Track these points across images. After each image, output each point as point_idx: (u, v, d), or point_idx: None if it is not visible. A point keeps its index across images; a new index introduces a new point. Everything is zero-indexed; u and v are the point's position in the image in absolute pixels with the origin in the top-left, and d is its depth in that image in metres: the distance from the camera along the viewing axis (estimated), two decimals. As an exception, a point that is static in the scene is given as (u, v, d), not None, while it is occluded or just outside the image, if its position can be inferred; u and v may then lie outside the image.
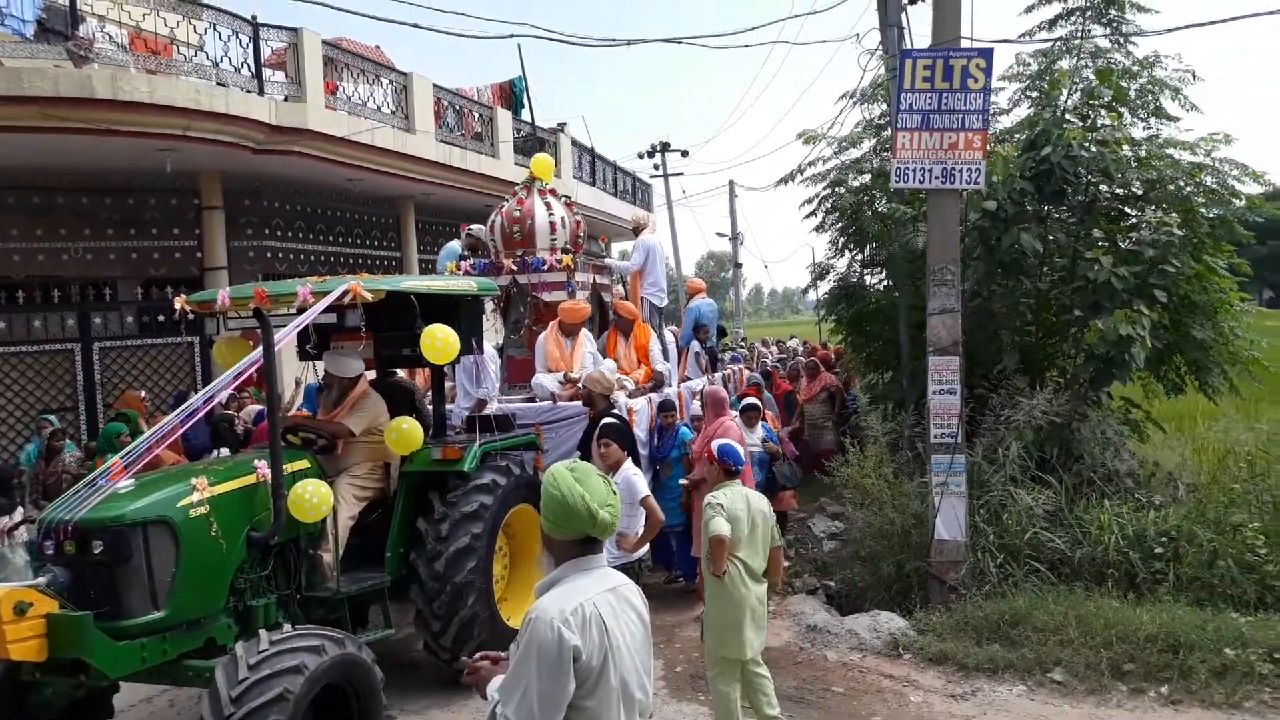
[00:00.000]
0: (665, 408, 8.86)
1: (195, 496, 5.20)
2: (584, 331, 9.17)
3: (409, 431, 6.35)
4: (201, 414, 6.04)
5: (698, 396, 9.44)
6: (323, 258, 16.83)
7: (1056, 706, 6.06)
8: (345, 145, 13.95)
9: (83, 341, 13.79)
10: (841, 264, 12.71)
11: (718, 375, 11.52)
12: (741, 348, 19.43)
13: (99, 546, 4.86)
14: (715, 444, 5.59)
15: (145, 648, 4.93)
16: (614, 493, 2.81)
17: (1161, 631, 6.43)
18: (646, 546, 6.33)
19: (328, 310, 5.77)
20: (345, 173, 14.94)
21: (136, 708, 6.40)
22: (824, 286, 13.20)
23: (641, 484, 6.31)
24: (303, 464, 5.97)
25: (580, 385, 8.31)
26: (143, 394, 11.33)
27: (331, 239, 17.24)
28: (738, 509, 5.27)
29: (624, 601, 2.79)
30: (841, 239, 12.27)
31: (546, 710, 2.55)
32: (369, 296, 5.77)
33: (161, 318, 14.14)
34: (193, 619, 5.20)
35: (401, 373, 8.18)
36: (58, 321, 13.84)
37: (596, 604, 2.67)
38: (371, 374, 7.23)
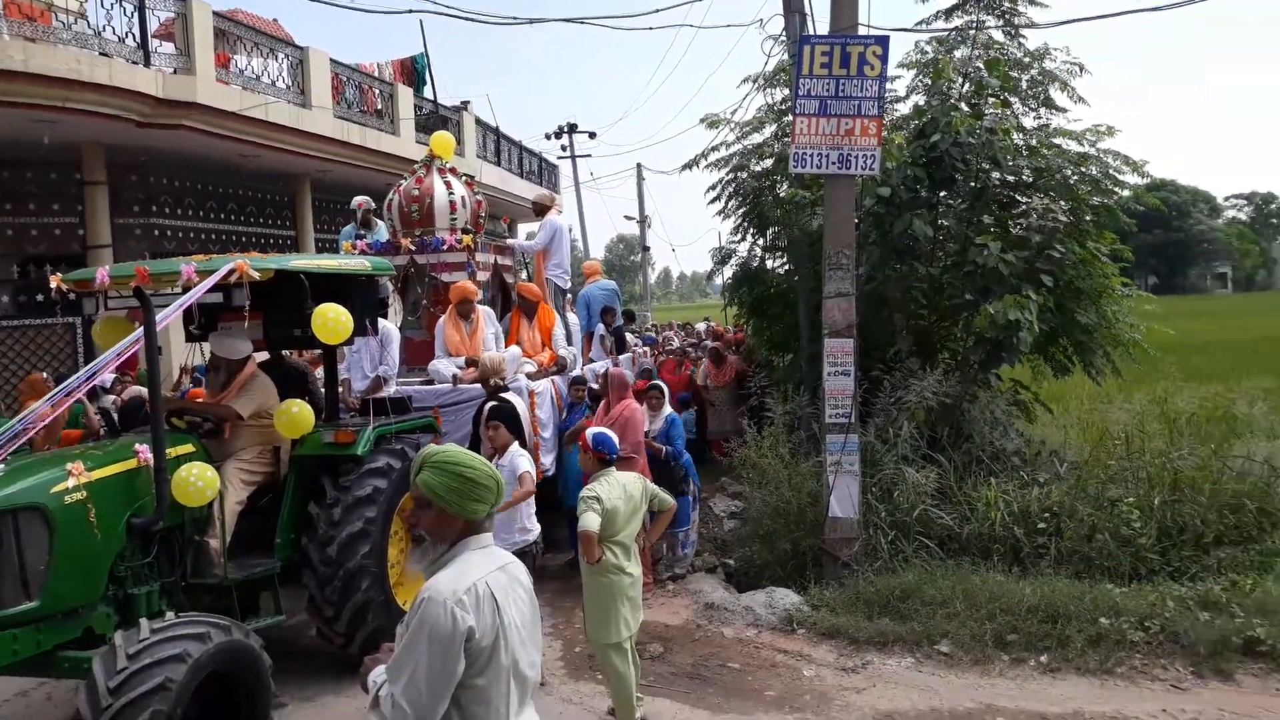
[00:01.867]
0: (577, 382, 8.95)
1: (70, 482, 4.99)
2: (486, 312, 9.07)
3: (299, 415, 6.20)
4: (81, 395, 5.81)
5: (601, 379, 9.44)
6: (214, 236, 16.31)
7: (942, 677, 6.26)
8: (238, 120, 13.51)
9: (-45, 322, 13.14)
10: (744, 248, 12.86)
11: (624, 357, 11.54)
12: (649, 330, 19.53)
13: (-35, 535, 4.65)
14: (589, 432, 5.58)
15: (17, 639, 4.73)
16: None
17: (1042, 603, 6.69)
18: (538, 530, 6.38)
19: (214, 290, 5.59)
20: (238, 148, 14.48)
21: (11, 702, 6.15)
22: (728, 270, 13.34)
23: (526, 464, 6.39)
24: (187, 448, 5.79)
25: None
26: (45, 375, 10.83)
27: (223, 217, 16.72)
28: (615, 500, 5.28)
29: (514, 580, 2.81)
30: (744, 223, 12.39)
31: (435, 691, 2.55)
32: (257, 276, 5.61)
33: (40, 297, 13.54)
34: (69, 609, 5.00)
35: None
36: (-72, 301, 13.15)
37: (489, 582, 2.68)
38: (262, 355, 7.04)
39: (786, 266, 12.43)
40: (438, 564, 2.75)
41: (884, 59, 7.94)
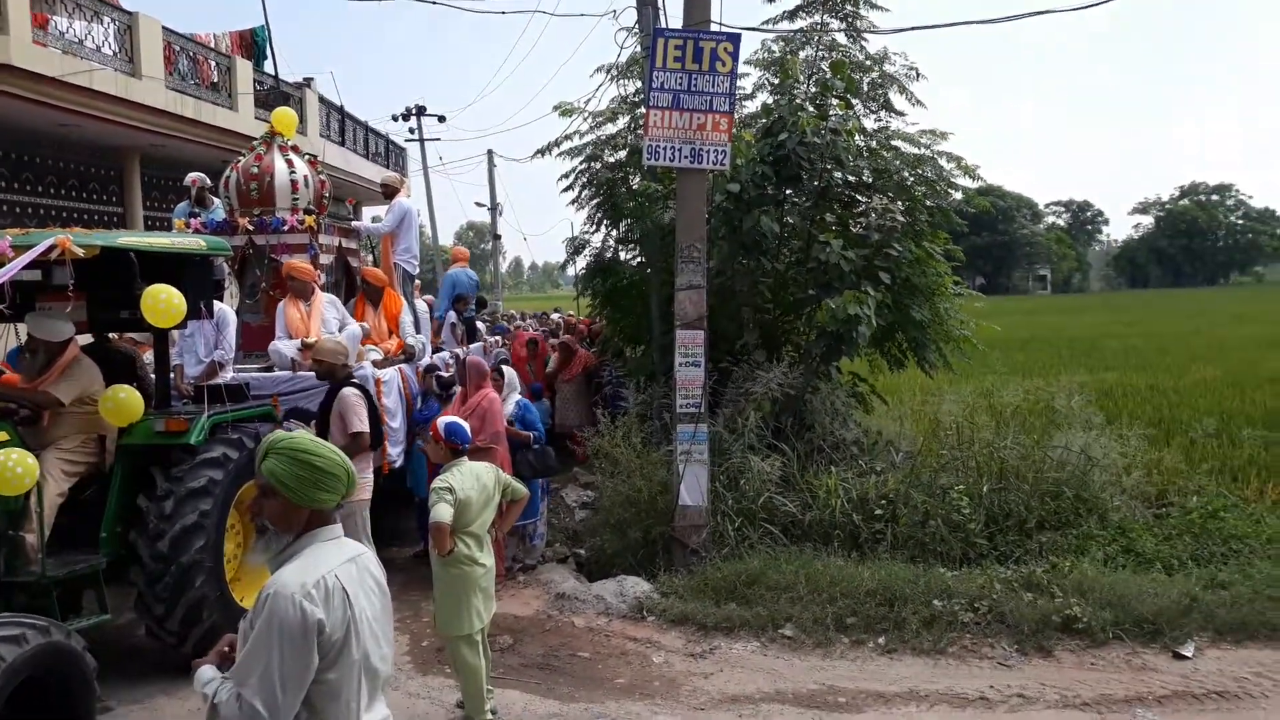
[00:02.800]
0: (430, 370, 8.81)
1: None
2: (326, 296, 8.76)
3: (126, 401, 5.84)
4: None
5: (458, 368, 9.26)
6: (30, 210, 15.18)
7: (786, 660, 6.44)
8: (57, 86, 12.63)
9: None
10: (597, 239, 12.87)
11: (475, 346, 11.36)
12: (503, 320, 19.34)
13: None
14: (441, 421, 5.49)
15: None
16: None
17: (880, 587, 6.97)
18: None
19: (32, 266, 5.20)
20: (58, 117, 13.53)
21: None
22: (581, 261, 13.32)
23: None
24: (0, 435, 5.36)
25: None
26: None
27: (42, 190, 15.59)
28: (469, 490, 5.22)
29: (364, 571, 2.74)
30: (597, 214, 12.39)
31: (290, 688, 2.47)
32: (80, 252, 5.24)
33: None
34: None
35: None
36: None
37: (339, 575, 2.61)
38: (85, 338, 6.60)
39: (639, 259, 12.51)
40: (284, 556, 2.66)
41: (735, 56, 8.07)
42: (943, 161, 10.36)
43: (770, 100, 10.83)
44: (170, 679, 5.90)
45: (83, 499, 5.92)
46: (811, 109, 9.90)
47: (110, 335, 7.11)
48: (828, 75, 10.41)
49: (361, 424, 6.58)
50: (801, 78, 10.50)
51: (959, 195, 10.70)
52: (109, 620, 5.75)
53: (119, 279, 5.75)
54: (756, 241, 9.52)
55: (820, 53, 10.93)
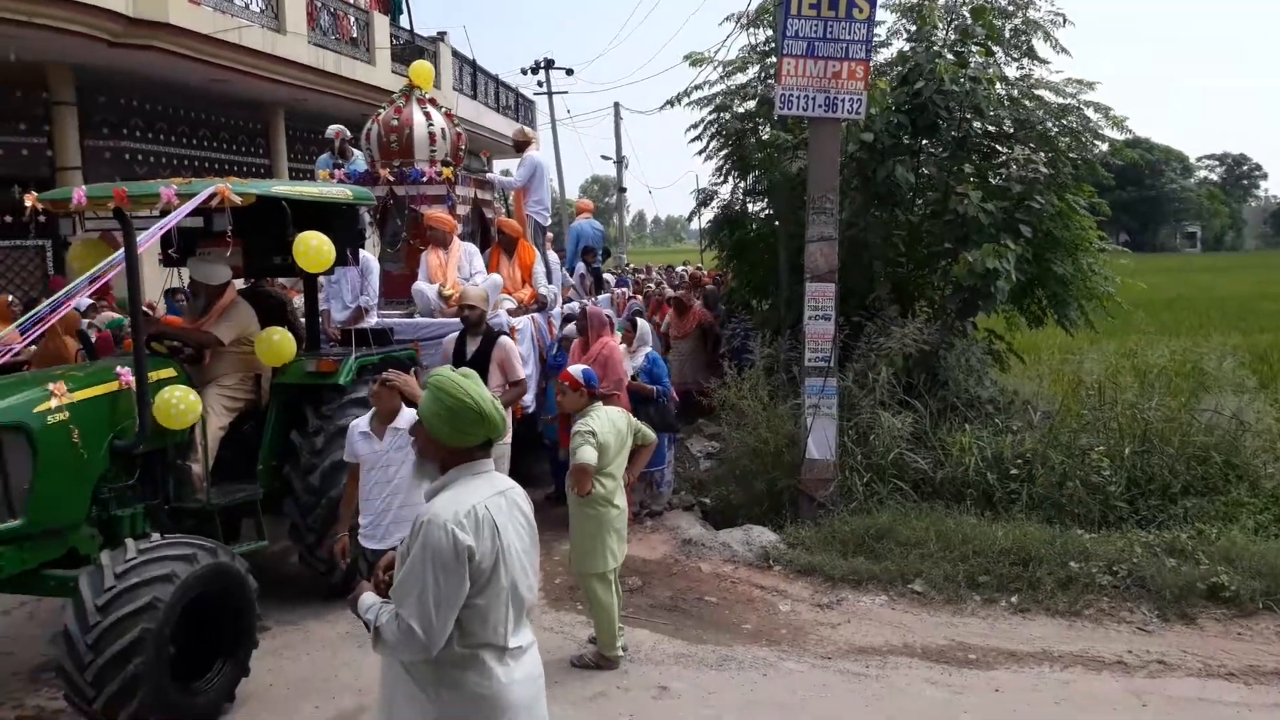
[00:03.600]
0: (570, 319, 9.02)
1: (53, 402, 4.94)
2: (466, 246, 8.99)
3: (281, 343, 6.15)
4: (55, 319, 5.71)
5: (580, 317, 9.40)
6: (186, 161, 15.99)
7: (915, 615, 6.40)
8: (210, 43, 13.21)
9: (-80, 243, 12.85)
10: (725, 191, 12.77)
11: (602, 297, 11.50)
12: (627, 272, 19.49)
13: (-52, 453, 4.60)
14: (574, 369, 5.66)
15: (3, 556, 4.71)
16: None
17: (1014, 546, 6.83)
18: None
19: (194, 214, 5.49)
20: (210, 73, 14.16)
21: (-8, 620, 6.15)
22: (708, 213, 13.27)
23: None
24: (169, 372, 5.74)
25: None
26: (10, 298, 10.61)
27: (196, 142, 16.39)
28: (607, 434, 5.38)
29: (513, 504, 2.87)
30: (726, 165, 12.29)
31: (443, 610, 2.62)
32: (238, 200, 5.49)
33: (9, 218, 13.24)
34: (53, 528, 4.98)
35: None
36: (-110, 221, 12.81)
37: (489, 506, 2.73)
38: (240, 282, 6.96)
39: (767, 211, 12.38)
40: (437, 487, 2.80)
41: (873, 2, 7.87)
42: (1089, 112, 9.90)
43: (907, 47, 10.52)
44: (320, 605, 6.28)
45: (241, 434, 6.28)
46: (950, 56, 9.57)
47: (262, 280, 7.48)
48: (968, 21, 10.03)
49: (524, 370, 6.85)
50: (940, 24, 10.15)
51: (1105, 147, 10.21)
52: (265, 546, 6.14)
53: (272, 227, 6.01)
54: (890, 192, 9.32)
55: (961, -2, 10.53)
